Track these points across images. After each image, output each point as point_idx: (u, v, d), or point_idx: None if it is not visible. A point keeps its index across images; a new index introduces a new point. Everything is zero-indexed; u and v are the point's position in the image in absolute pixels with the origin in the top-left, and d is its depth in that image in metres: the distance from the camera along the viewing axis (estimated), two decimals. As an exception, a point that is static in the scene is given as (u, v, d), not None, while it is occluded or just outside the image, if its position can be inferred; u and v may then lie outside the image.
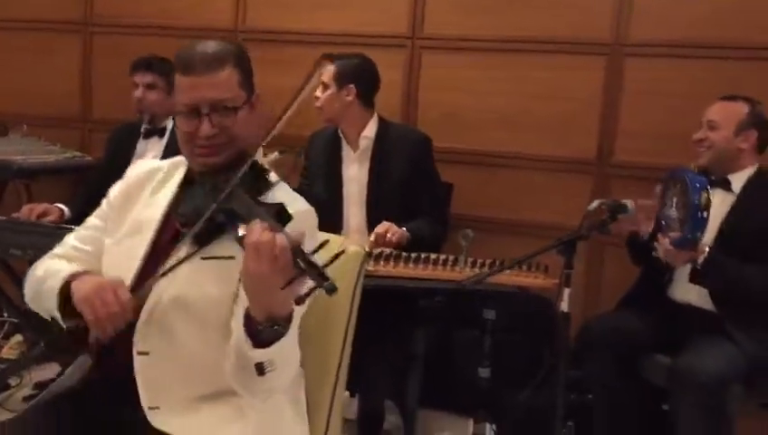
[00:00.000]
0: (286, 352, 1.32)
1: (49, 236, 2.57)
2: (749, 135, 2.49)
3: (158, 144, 3.18)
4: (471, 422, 2.84)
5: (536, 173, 3.24)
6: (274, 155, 1.51)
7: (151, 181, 1.60)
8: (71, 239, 1.63)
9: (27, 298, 1.61)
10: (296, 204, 1.47)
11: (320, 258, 1.19)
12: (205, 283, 1.43)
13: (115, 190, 1.63)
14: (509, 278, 2.44)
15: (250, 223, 1.24)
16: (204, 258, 1.42)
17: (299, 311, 1.33)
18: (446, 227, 2.86)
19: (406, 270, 2.42)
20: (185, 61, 1.46)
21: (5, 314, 3.42)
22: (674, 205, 2.29)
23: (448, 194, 3.21)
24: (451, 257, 2.49)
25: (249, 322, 1.28)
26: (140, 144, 3.20)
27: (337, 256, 1.19)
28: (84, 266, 1.53)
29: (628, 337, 2.51)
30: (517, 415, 2.69)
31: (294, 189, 1.57)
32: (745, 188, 2.49)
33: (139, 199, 1.58)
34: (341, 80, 2.74)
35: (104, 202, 1.65)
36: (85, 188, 3.26)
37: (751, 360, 2.34)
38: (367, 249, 2.52)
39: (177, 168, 1.60)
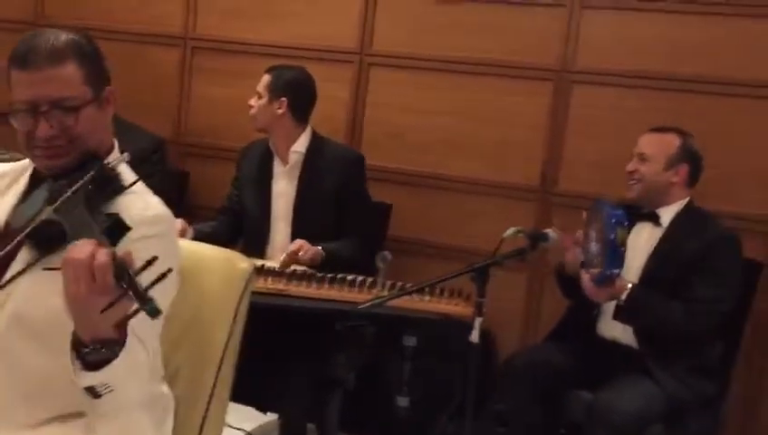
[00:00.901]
0: (122, 372, 1.21)
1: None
2: (680, 169, 2.43)
3: None
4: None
5: (477, 198, 3.17)
6: (125, 156, 1.37)
7: None
8: None
9: None
10: (146, 210, 1.36)
11: (149, 278, 1.08)
12: (47, 295, 1.29)
13: None
14: (431, 305, 2.37)
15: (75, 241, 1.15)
16: (45, 269, 1.29)
17: (153, 324, 1.20)
18: (371, 249, 2.77)
19: (317, 291, 2.34)
20: (21, 54, 1.32)
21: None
22: (593, 239, 2.22)
23: (386, 215, 3.13)
24: (369, 280, 2.41)
25: (76, 344, 1.18)
26: None
27: (164, 276, 1.08)
28: None
29: (552, 371, 2.43)
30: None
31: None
32: (673, 222, 2.42)
33: None
34: (274, 91, 2.70)
35: None
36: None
37: (671, 399, 2.27)
38: (277, 266, 2.48)
39: (24, 171, 1.47)
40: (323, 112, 2.94)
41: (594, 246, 2.22)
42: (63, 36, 1.35)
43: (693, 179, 2.45)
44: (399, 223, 3.18)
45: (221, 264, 1.69)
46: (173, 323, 1.45)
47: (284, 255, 2.51)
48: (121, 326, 1.13)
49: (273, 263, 2.52)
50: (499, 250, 2.18)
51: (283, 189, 2.75)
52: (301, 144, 2.73)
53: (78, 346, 1.18)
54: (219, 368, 1.65)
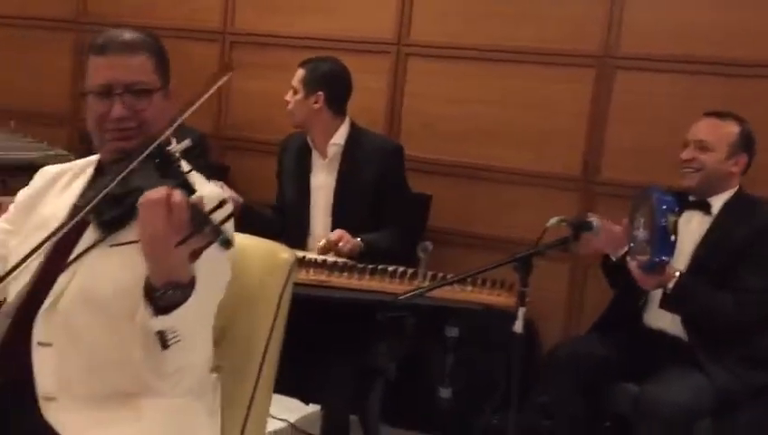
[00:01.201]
0: (191, 321, 1.28)
1: None
2: (740, 159, 2.35)
3: None
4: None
5: (518, 188, 3.13)
6: (186, 142, 1.44)
7: (59, 181, 1.57)
8: None
9: None
10: (206, 188, 1.44)
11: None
12: (113, 270, 1.38)
13: (23, 193, 1.61)
14: (473, 295, 2.35)
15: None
16: (112, 246, 1.39)
17: (211, 289, 1.32)
18: (410, 240, 2.76)
19: (359, 282, 2.33)
20: (100, 42, 1.46)
21: None
22: (641, 226, 2.17)
23: (426, 206, 3.11)
24: (410, 270, 2.39)
25: (149, 290, 1.25)
26: None
27: (231, 216, 1.20)
28: None
29: (595, 362, 2.38)
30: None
31: None
32: (723, 210, 2.35)
33: (46, 198, 1.55)
34: (310, 85, 2.68)
35: (11, 206, 1.62)
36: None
37: (720, 391, 2.21)
38: (315, 255, 2.48)
39: (88, 166, 1.57)
40: (360, 104, 2.92)
41: (642, 234, 2.17)
42: (137, 32, 1.50)
43: (748, 167, 2.38)
44: (439, 214, 3.15)
45: (263, 254, 1.70)
46: (217, 314, 1.47)
47: (324, 240, 2.50)
48: (196, 258, 1.19)
49: (313, 254, 2.51)
50: (542, 240, 2.14)
51: (323, 182, 2.74)
52: (339, 136, 2.72)
53: (150, 291, 1.25)
54: (263, 359, 1.66)
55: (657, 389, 2.20)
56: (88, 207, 1.33)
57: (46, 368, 1.39)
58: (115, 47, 1.45)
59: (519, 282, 2.08)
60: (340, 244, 2.46)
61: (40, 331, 1.39)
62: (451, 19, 3.22)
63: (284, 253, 1.71)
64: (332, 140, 2.72)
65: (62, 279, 1.40)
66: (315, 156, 2.78)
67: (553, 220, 2.16)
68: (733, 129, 2.37)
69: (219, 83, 1.44)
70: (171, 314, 1.24)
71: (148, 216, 1.18)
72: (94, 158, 1.57)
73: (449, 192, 3.19)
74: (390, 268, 2.37)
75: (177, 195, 1.17)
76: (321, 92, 2.66)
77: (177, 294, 1.23)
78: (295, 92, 2.71)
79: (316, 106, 2.67)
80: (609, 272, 2.53)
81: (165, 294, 1.23)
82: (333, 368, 2.45)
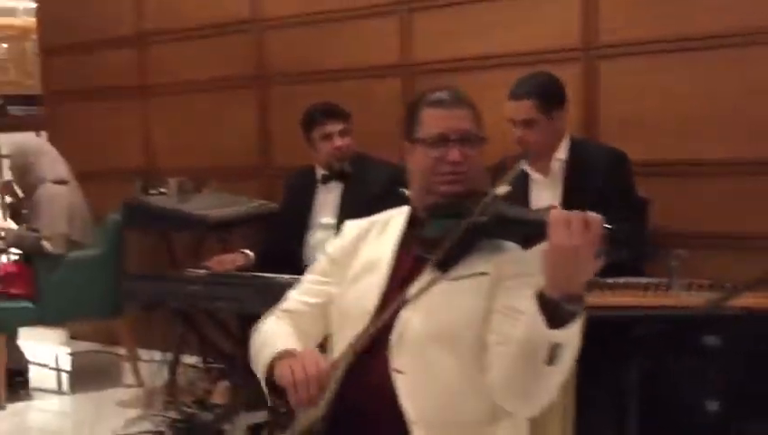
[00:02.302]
0: (574, 340, 1.31)
1: (248, 287, 2.69)
2: None
3: (336, 188, 3.21)
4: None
5: (740, 178, 2.93)
6: (505, 188, 1.57)
7: (371, 230, 1.70)
8: (295, 294, 1.73)
9: (251, 358, 1.67)
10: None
11: None
12: (456, 303, 1.49)
13: (334, 246, 1.73)
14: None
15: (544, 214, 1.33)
16: (453, 280, 1.49)
17: None
18: (643, 250, 2.64)
19: (613, 298, 2.25)
20: (435, 97, 1.62)
21: (211, 361, 3.60)
22: None
23: (644, 211, 2.97)
24: (661, 282, 2.28)
25: (543, 303, 1.29)
26: (320, 189, 3.24)
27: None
28: (310, 321, 1.66)
29: None
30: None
31: None
32: None
33: (364, 245, 1.67)
34: (547, 107, 2.61)
35: (322, 259, 1.74)
36: (268, 233, 3.38)
37: None
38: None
39: (394, 217, 1.69)
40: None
41: None
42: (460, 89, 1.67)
43: None
44: (659, 218, 3.00)
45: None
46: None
47: None
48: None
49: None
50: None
51: (546, 202, 2.67)
52: (562, 151, 2.66)
53: (546, 305, 1.29)
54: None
55: None
56: (452, 236, 1.43)
57: (403, 395, 1.47)
58: (453, 101, 1.61)
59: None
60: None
61: (394, 359, 1.49)
62: (640, 14, 3.09)
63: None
64: (556, 155, 2.66)
65: (405, 314, 1.50)
66: (534, 175, 2.71)
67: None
68: None
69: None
70: (567, 327, 1.28)
71: (562, 227, 1.26)
72: (395, 213, 1.69)
73: (666, 193, 3.02)
74: (643, 281, 2.28)
75: (592, 213, 1.26)
76: (558, 111, 2.62)
77: (575, 308, 1.28)
78: (529, 124, 2.61)
79: (561, 126, 2.64)
80: None
81: (563, 308, 1.27)
82: (590, 389, 2.37)
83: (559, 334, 1.28)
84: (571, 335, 1.29)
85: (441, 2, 3.51)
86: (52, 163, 3.84)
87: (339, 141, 3.09)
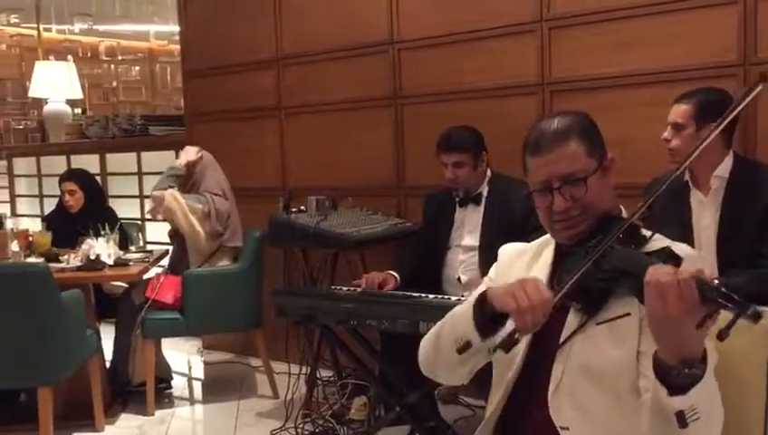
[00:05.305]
0: (707, 397, 1.24)
1: (400, 306, 2.72)
2: None
3: (475, 211, 3.25)
4: None
5: None
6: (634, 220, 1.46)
7: (523, 256, 1.68)
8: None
9: (422, 364, 1.69)
10: (681, 248, 1.44)
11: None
12: (606, 347, 1.44)
13: (493, 270, 1.73)
14: None
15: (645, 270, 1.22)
16: (599, 324, 1.45)
17: (712, 358, 1.27)
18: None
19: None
20: (532, 143, 1.54)
21: (348, 376, 3.66)
22: None
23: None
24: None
25: (660, 368, 1.24)
26: (458, 212, 3.31)
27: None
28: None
29: None
30: None
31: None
32: None
33: (513, 271, 1.64)
34: (699, 116, 2.55)
35: (485, 281, 1.73)
36: (410, 255, 3.41)
37: None
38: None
39: (546, 246, 1.66)
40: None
41: None
42: (565, 119, 1.55)
43: None
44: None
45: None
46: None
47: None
48: (707, 330, 1.16)
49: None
50: None
51: (708, 222, 2.58)
52: (723, 168, 2.56)
53: (662, 370, 1.23)
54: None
55: None
56: (566, 285, 1.38)
57: None
58: (547, 144, 1.51)
59: None
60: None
61: (556, 415, 1.47)
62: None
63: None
64: (716, 172, 2.57)
65: (558, 364, 1.48)
66: (694, 192, 2.64)
67: None
68: None
69: (752, 95, 1.40)
70: (689, 393, 1.22)
71: (656, 296, 1.18)
72: (547, 240, 1.65)
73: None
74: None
75: (684, 272, 1.16)
76: (713, 124, 2.52)
77: (694, 372, 1.21)
78: (678, 128, 2.60)
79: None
80: None
81: (681, 373, 1.21)
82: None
83: (681, 401, 1.21)
84: (696, 399, 1.21)
85: (580, 20, 3.47)
86: (217, 177, 4.20)
87: (449, 173, 3.19)
